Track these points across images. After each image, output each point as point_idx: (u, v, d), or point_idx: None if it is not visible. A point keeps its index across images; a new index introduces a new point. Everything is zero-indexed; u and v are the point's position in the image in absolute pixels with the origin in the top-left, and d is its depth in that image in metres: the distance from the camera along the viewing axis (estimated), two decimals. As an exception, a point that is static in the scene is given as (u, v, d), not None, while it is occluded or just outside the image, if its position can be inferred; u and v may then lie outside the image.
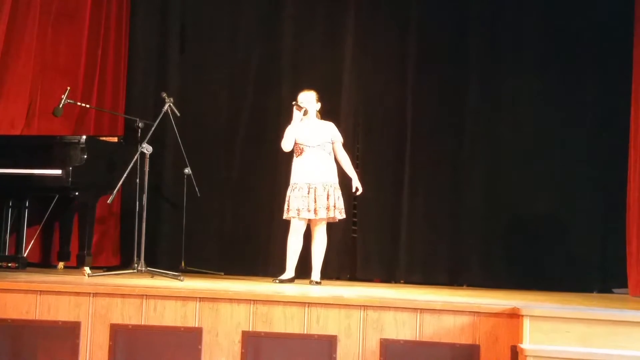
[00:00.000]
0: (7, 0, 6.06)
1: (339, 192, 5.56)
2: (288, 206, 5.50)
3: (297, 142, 5.59)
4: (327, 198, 5.47)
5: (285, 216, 5.56)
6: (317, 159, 5.55)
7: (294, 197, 5.48)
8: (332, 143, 5.65)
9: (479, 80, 6.76)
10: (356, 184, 5.68)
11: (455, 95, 6.77)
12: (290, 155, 5.71)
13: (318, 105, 5.71)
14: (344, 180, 5.74)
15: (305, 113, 5.62)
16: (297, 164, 5.59)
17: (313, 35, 6.99)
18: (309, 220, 5.53)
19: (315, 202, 5.45)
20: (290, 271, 5.56)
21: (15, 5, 6.14)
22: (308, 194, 5.47)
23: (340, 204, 5.55)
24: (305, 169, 5.52)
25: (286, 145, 5.59)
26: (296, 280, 5.59)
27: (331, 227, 6.55)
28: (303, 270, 5.70)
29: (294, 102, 5.66)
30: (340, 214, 5.54)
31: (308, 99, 5.66)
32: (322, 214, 5.45)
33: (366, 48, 6.90)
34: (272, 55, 7.01)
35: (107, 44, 6.90)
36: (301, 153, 5.58)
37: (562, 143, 6.57)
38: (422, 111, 6.79)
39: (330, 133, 5.65)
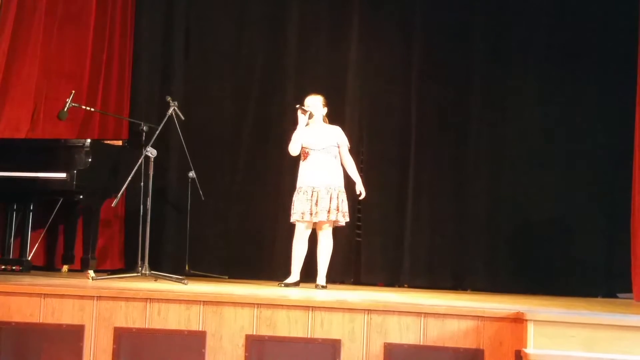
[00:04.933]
0: (12, 4, 6.08)
1: (343, 196, 5.55)
2: (293, 209, 5.51)
3: (303, 145, 5.59)
4: (330, 201, 5.46)
5: (298, 219, 5.52)
6: (322, 162, 5.55)
7: (299, 200, 5.48)
8: (338, 147, 5.65)
9: (482, 83, 6.78)
10: (360, 188, 5.68)
11: (459, 98, 6.78)
12: (295, 159, 5.71)
13: (325, 110, 5.71)
14: (349, 185, 5.72)
15: (311, 116, 5.63)
16: (302, 167, 5.59)
17: (317, 40, 7.01)
18: (315, 224, 5.52)
19: (316, 205, 5.45)
20: (295, 275, 5.56)
21: (21, 10, 6.16)
22: (311, 197, 5.47)
23: (345, 207, 5.54)
24: (310, 173, 5.52)
25: (293, 149, 5.58)
26: (301, 284, 5.59)
27: (335, 231, 6.55)
28: (308, 274, 5.70)
29: (297, 106, 5.66)
30: (343, 218, 5.53)
31: (315, 103, 5.66)
32: (322, 216, 5.44)
33: (370, 52, 6.91)
34: (277, 60, 7.03)
35: (112, 48, 6.92)
36: (307, 157, 5.58)
37: (566, 146, 6.57)
38: (426, 115, 6.80)
39: (336, 137, 5.65)
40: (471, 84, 6.79)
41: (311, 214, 5.45)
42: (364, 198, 5.80)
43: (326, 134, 5.64)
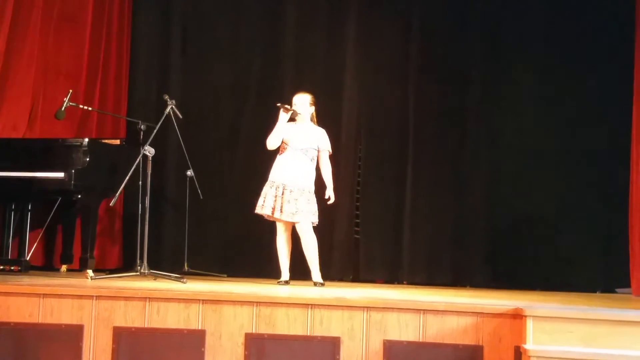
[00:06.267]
0: (9, 3, 6.08)
1: (312, 197, 5.49)
2: (264, 202, 5.46)
3: (284, 140, 5.55)
4: (307, 202, 5.42)
5: (259, 211, 5.51)
6: (297, 161, 5.50)
7: (271, 195, 5.45)
8: (318, 150, 5.60)
9: (480, 80, 6.78)
10: (330, 193, 5.59)
11: (457, 95, 6.78)
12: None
13: (312, 109, 5.66)
14: (322, 187, 5.63)
15: (295, 114, 5.58)
16: (278, 161, 5.56)
17: (315, 37, 7.01)
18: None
19: (288, 203, 5.40)
20: (284, 273, 5.56)
21: (17, 9, 6.16)
22: (282, 194, 5.44)
23: (315, 207, 5.49)
24: (285, 169, 5.49)
25: (272, 143, 5.53)
26: (302, 283, 5.58)
27: (334, 228, 6.58)
28: (305, 272, 5.69)
29: (279, 104, 5.59)
30: (315, 218, 5.48)
31: (302, 102, 5.61)
32: (287, 217, 5.40)
33: (368, 49, 6.91)
34: (274, 58, 7.03)
35: (109, 47, 6.92)
36: (283, 152, 5.55)
37: (564, 142, 6.57)
38: (424, 112, 6.81)
39: (318, 140, 5.59)
40: (469, 81, 6.78)
41: (281, 212, 5.39)
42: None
43: (309, 135, 5.58)
